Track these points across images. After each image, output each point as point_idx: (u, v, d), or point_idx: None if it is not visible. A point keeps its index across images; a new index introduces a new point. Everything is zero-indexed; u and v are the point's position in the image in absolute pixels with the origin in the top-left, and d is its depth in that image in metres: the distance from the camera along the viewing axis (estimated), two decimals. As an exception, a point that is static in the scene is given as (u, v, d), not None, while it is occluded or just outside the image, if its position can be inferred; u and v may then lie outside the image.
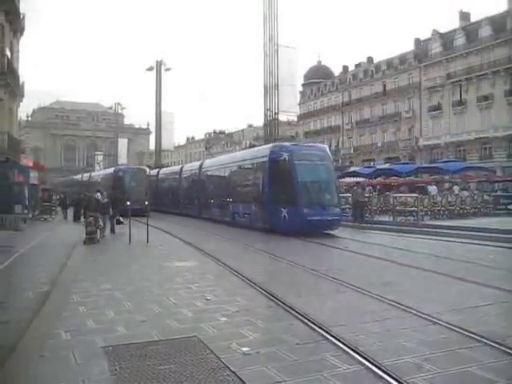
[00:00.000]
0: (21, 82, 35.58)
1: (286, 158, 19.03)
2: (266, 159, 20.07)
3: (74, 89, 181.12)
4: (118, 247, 16.86)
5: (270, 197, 19.45)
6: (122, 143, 67.94)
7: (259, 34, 37.19)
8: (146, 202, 25.65)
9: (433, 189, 29.69)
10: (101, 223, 18.01)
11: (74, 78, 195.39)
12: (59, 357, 5.37)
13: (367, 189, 29.39)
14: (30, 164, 34.39)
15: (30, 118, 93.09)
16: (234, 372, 4.84)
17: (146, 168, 39.49)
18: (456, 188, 30.09)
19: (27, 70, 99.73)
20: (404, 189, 34.77)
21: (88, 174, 48.19)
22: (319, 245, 15.83)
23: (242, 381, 4.66)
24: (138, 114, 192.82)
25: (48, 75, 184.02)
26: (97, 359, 5.25)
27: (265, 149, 21.43)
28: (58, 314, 7.19)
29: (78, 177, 52.79)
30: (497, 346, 5.49)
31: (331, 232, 19.05)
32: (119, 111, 61.91)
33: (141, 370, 4.91)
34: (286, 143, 21.53)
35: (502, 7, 56.06)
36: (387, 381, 4.58)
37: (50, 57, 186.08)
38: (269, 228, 19.55)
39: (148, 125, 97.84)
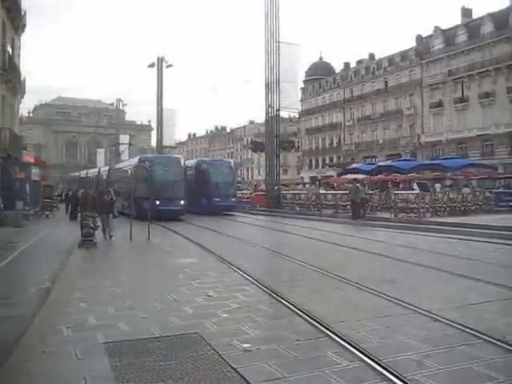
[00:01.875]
0: (22, 78, 35.61)
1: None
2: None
3: (75, 85, 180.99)
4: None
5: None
6: (124, 140, 67.86)
7: (261, 31, 36.97)
8: (182, 202, 25.96)
9: (437, 186, 29.73)
10: (98, 224, 15.94)
11: (76, 74, 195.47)
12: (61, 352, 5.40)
13: (366, 186, 29.41)
14: (32, 160, 34.38)
15: (31, 115, 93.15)
16: (235, 368, 4.86)
17: (180, 157, 33.83)
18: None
19: (29, 67, 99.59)
20: (405, 185, 34.78)
21: (106, 168, 43.27)
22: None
23: (243, 377, 4.68)
24: (140, 111, 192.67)
25: (49, 72, 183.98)
26: (98, 355, 5.27)
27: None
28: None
29: (94, 171, 48.64)
30: (497, 343, 5.51)
31: None
32: (121, 108, 61.77)
33: (141, 366, 4.93)
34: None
35: (505, 4, 55.86)
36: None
37: (52, 53, 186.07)
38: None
39: (149, 121, 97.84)
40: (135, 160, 30.70)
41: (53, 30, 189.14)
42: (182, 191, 28.02)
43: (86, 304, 7.58)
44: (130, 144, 53.03)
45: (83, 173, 55.01)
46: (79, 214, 17.04)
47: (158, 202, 24.23)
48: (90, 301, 7.78)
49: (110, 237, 16.85)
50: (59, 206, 34.54)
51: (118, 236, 17.30)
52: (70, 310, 7.30)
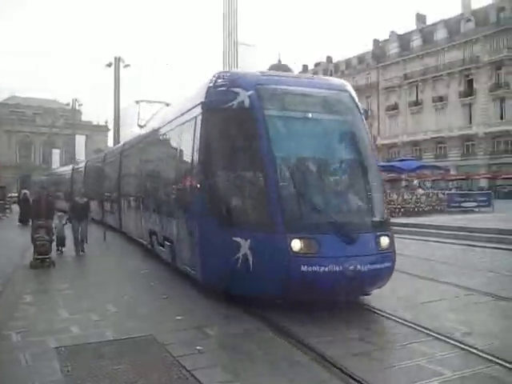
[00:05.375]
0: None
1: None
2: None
3: (29, 85, 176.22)
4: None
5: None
6: (80, 140, 66.66)
7: (219, 31, 36.95)
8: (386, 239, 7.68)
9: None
10: (53, 237, 12.16)
11: (31, 73, 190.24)
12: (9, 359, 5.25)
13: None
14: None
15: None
16: (189, 371, 4.84)
17: (344, 84, 9.62)
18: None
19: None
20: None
21: (82, 165, 30.86)
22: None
23: (198, 380, 4.66)
24: (97, 111, 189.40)
25: (2, 70, 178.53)
26: (48, 360, 5.15)
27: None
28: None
29: (67, 169, 37.47)
30: (445, 339, 5.69)
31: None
32: (77, 107, 60.60)
33: (94, 371, 4.84)
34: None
35: (457, 11, 57.70)
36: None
37: (5, 52, 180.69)
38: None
39: (106, 122, 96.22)
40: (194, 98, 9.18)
41: (5, 28, 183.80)
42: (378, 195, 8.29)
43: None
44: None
45: (55, 172, 47.88)
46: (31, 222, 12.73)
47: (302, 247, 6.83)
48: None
49: (82, 251, 13.13)
50: (12, 208, 33.48)
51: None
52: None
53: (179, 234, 9.27)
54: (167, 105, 16.39)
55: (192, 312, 7.06)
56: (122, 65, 41.14)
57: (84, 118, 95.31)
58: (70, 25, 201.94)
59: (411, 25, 63.10)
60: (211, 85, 8.29)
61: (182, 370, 4.87)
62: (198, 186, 8.14)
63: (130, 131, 22.17)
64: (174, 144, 10.63)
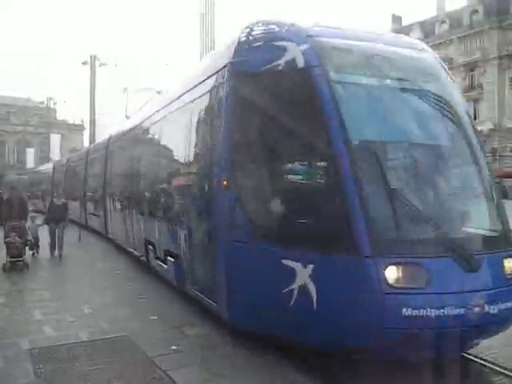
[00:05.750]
0: None
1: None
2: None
3: (3, 83, 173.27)
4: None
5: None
6: (55, 139, 65.83)
7: (196, 31, 36.88)
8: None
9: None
10: (30, 237, 11.95)
11: (4, 71, 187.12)
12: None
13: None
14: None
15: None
16: (164, 371, 4.82)
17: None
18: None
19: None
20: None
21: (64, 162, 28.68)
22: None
23: (173, 380, 4.65)
24: (73, 110, 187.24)
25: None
26: (21, 362, 5.07)
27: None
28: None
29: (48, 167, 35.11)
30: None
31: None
32: (51, 106, 59.77)
33: (67, 372, 4.80)
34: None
35: (432, 13, 58.45)
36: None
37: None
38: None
39: (82, 121, 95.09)
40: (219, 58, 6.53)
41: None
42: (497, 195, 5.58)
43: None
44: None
45: (35, 170, 45.37)
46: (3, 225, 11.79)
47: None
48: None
49: (60, 254, 12.65)
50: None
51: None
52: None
53: (191, 249, 6.76)
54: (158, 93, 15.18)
55: (168, 312, 7.03)
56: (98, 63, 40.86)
57: (60, 116, 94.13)
58: (46, 22, 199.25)
59: (387, 26, 63.73)
60: (243, 39, 5.82)
61: (157, 370, 4.85)
62: (225, 183, 5.54)
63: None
64: (181, 129, 7.69)
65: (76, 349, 5.45)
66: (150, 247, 9.35)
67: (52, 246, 12.71)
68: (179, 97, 8.09)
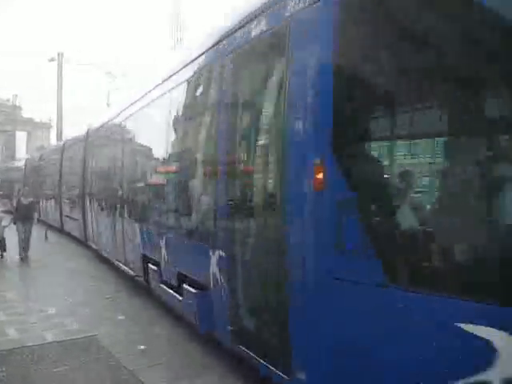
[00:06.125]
0: None
1: None
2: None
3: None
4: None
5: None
6: (21, 137, 64.49)
7: (165, 31, 36.60)
8: None
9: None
10: None
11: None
12: None
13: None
14: None
15: None
16: (131, 371, 4.76)
17: None
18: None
19: None
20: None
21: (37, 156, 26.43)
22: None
23: (139, 380, 4.59)
24: (39, 108, 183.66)
25: None
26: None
27: None
28: None
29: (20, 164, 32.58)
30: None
31: None
32: (17, 104, 58.51)
33: (32, 375, 4.69)
34: None
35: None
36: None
37: None
38: None
39: (50, 119, 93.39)
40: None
41: None
42: None
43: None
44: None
45: (6, 167, 40.91)
46: None
47: None
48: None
49: (25, 254, 12.06)
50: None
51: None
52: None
53: (237, 280, 4.28)
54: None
55: (136, 312, 6.96)
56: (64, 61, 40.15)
57: (26, 114, 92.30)
58: (11, 17, 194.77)
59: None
60: None
61: (123, 370, 4.79)
62: (320, 176, 3.12)
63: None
64: (204, 99, 5.37)
65: (41, 350, 5.33)
66: (152, 267, 6.82)
67: (20, 246, 12.19)
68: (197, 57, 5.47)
